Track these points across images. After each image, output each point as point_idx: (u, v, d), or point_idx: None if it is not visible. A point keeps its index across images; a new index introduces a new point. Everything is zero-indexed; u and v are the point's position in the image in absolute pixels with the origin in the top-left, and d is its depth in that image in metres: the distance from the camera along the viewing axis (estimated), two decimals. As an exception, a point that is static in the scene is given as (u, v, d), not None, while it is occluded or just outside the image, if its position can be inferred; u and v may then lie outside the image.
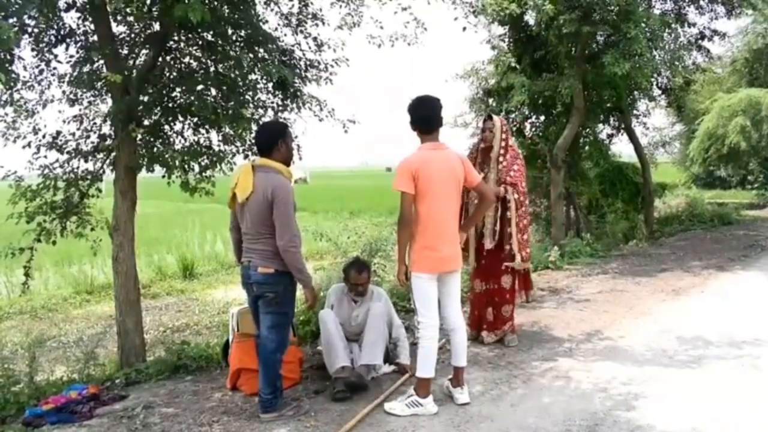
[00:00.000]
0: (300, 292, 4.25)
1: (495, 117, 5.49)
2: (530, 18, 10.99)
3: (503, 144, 5.38)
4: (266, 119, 5.77)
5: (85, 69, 5.28)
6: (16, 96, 5.11)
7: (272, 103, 5.84)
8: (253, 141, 4.53)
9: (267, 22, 5.85)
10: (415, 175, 3.98)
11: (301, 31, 5.95)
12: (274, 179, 3.90)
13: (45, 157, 5.44)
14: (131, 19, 5.60)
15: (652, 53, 9.22)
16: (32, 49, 5.22)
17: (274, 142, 4.03)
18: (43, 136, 5.42)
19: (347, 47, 6.09)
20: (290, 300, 4.13)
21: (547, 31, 9.87)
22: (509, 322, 5.58)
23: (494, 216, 5.37)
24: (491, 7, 7.07)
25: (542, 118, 12.26)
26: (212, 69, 5.53)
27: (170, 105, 5.47)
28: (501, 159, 5.37)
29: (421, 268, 4.07)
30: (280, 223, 3.85)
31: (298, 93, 5.65)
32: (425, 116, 4.14)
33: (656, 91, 12.88)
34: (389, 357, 4.88)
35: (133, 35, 5.73)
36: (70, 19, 5.38)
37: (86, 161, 5.55)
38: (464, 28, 10.25)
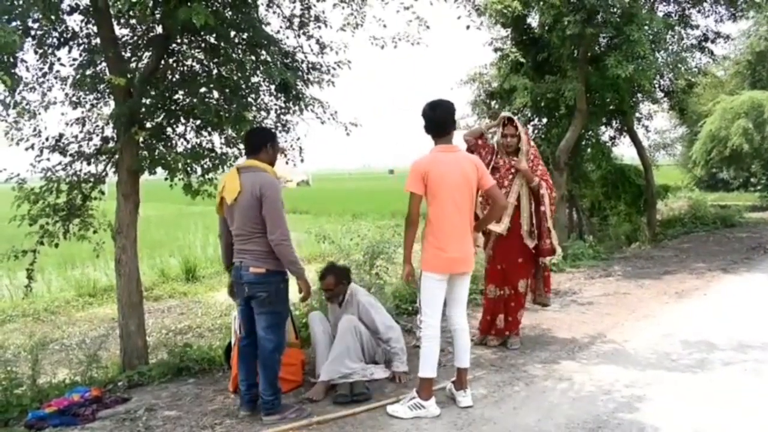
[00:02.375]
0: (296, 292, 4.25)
1: (515, 119, 5.45)
2: (533, 20, 11.00)
3: (526, 139, 5.43)
4: (269, 122, 5.80)
5: (88, 72, 5.30)
6: (18, 98, 5.13)
7: (275, 105, 5.86)
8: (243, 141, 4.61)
9: (269, 24, 5.86)
10: (425, 177, 4.05)
11: (304, 33, 5.96)
12: (261, 177, 3.97)
13: (48, 159, 5.45)
14: (134, 22, 5.62)
15: (654, 55, 9.21)
16: (35, 52, 5.23)
17: (264, 144, 4.15)
18: (46, 139, 5.43)
19: (350, 49, 6.09)
20: (283, 299, 4.13)
21: (550, 33, 9.86)
22: (518, 325, 5.58)
23: (529, 212, 5.39)
24: (494, 6, 7.06)
25: (545, 120, 12.26)
26: (215, 72, 5.54)
27: (173, 108, 5.47)
28: (529, 155, 5.40)
29: (431, 268, 4.12)
30: (271, 218, 3.90)
31: (301, 95, 5.66)
32: (440, 120, 4.19)
33: (659, 94, 12.86)
34: (378, 362, 4.83)
35: (135, 38, 5.73)
36: (73, 22, 5.38)
37: (89, 164, 5.56)
38: (468, 27, 10.29)
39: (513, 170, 5.37)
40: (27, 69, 5.25)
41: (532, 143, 5.55)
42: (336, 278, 4.90)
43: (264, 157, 4.11)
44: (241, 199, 3.94)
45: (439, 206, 4.08)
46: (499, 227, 5.39)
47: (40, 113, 5.47)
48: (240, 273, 4.03)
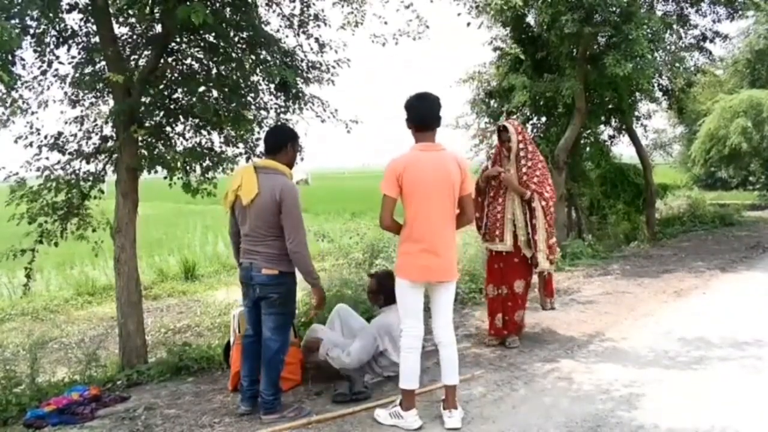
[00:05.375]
0: (302, 292, 4.26)
1: (509, 125, 5.40)
2: (532, 19, 11.00)
3: (522, 146, 5.37)
4: (268, 121, 5.80)
5: (87, 70, 5.29)
6: (15, 95, 5.11)
7: (274, 104, 5.85)
8: (262, 140, 4.57)
9: (269, 23, 5.86)
10: (400, 178, 3.77)
11: (303, 32, 5.96)
12: (280, 181, 3.92)
13: (47, 158, 5.45)
14: (133, 20, 5.62)
15: (653, 54, 9.21)
16: (34, 50, 5.22)
17: (284, 144, 4.09)
18: (45, 137, 5.42)
19: (350, 49, 6.09)
20: (293, 300, 4.14)
21: (548, 32, 9.86)
22: (520, 327, 5.58)
23: (524, 223, 5.36)
24: (495, 3, 7.06)
25: (543, 119, 12.25)
26: (214, 70, 5.55)
27: (172, 106, 5.48)
28: (523, 161, 5.35)
29: (404, 274, 3.89)
30: (290, 225, 3.88)
31: (300, 94, 5.66)
32: (425, 112, 3.91)
33: (657, 93, 12.86)
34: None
35: (135, 37, 5.73)
36: (72, 20, 5.39)
37: (88, 162, 5.56)
38: (468, 24, 10.33)
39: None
40: (24, 67, 5.25)
41: (530, 147, 5.45)
42: (378, 284, 4.88)
43: (283, 158, 4.04)
44: (258, 201, 3.89)
45: (413, 209, 3.80)
46: (504, 246, 5.41)
47: (36, 112, 5.47)
48: (251, 274, 4.00)
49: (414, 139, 3.97)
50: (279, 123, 5.82)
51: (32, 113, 5.43)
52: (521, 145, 5.37)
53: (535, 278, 5.72)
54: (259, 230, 3.94)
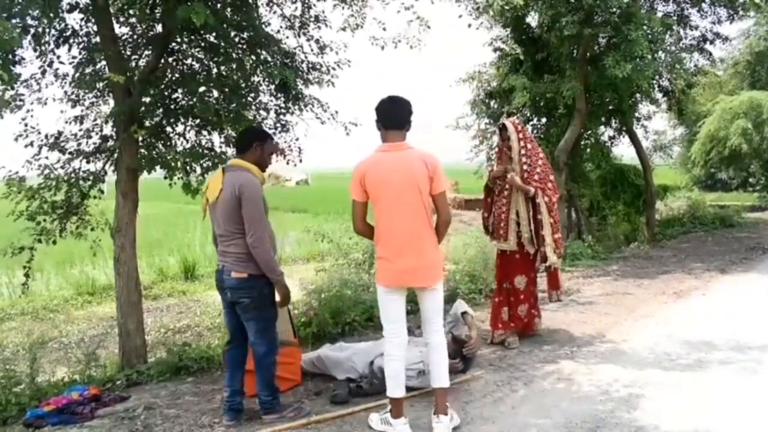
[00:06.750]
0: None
1: (508, 124, 5.46)
2: (532, 20, 11.01)
3: (522, 144, 5.40)
4: (268, 121, 5.81)
5: (88, 70, 5.29)
6: (11, 93, 5.10)
7: (274, 105, 5.86)
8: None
9: (269, 24, 5.86)
10: (363, 180, 3.68)
11: (304, 34, 5.96)
12: (241, 176, 3.88)
13: (46, 157, 5.44)
14: (134, 20, 5.62)
15: (653, 55, 9.20)
16: (34, 50, 5.22)
17: (250, 143, 4.06)
18: (46, 137, 5.41)
19: (351, 50, 6.10)
20: (269, 303, 4.01)
21: (548, 33, 9.87)
22: (526, 324, 5.61)
23: (528, 220, 5.38)
24: (496, 4, 7.08)
25: (544, 120, 12.26)
26: (214, 71, 5.55)
27: (172, 106, 5.47)
28: (524, 159, 5.38)
29: (379, 279, 3.80)
30: (249, 219, 3.81)
31: (300, 95, 5.66)
32: (393, 114, 3.76)
33: (657, 94, 12.86)
34: None
35: (135, 37, 5.73)
36: (73, 20, 5.39)
37: (88, 162, 5.55)
38: (469, 25, 10.37)
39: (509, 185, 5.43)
40: (20, 64, 5.21)
41: (529, 145, 5.47)
42: None
43: (251, 156, 4.03)
44: (221, 198, 3.88)
45: (380, 212, 3.70)
46: (508, 245, 5.47)
47: (30, 109, 5.44)
48: (222, 277, 3.95)
49: (381, 141, 3.86)
50: (279, 123, 5.84)
51: (26, 111, 5.39)
52: (522, 143, 5.40)
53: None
54: (226, 228, 3.91)
